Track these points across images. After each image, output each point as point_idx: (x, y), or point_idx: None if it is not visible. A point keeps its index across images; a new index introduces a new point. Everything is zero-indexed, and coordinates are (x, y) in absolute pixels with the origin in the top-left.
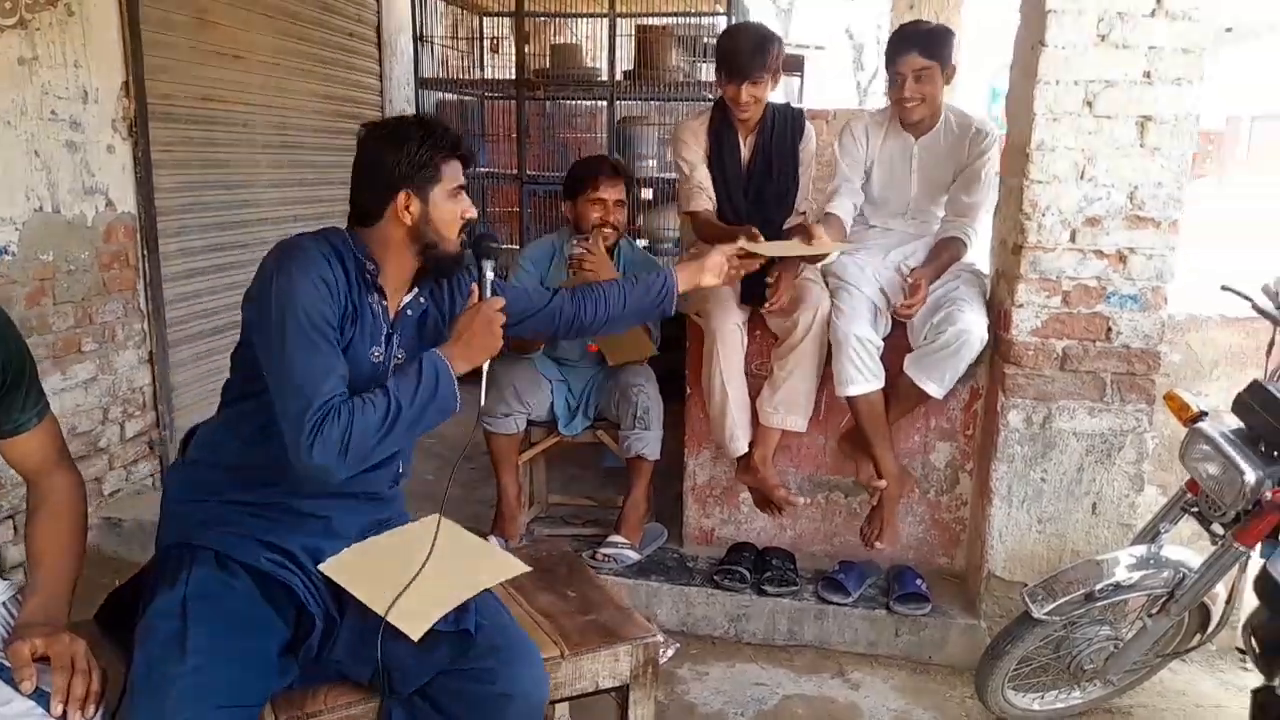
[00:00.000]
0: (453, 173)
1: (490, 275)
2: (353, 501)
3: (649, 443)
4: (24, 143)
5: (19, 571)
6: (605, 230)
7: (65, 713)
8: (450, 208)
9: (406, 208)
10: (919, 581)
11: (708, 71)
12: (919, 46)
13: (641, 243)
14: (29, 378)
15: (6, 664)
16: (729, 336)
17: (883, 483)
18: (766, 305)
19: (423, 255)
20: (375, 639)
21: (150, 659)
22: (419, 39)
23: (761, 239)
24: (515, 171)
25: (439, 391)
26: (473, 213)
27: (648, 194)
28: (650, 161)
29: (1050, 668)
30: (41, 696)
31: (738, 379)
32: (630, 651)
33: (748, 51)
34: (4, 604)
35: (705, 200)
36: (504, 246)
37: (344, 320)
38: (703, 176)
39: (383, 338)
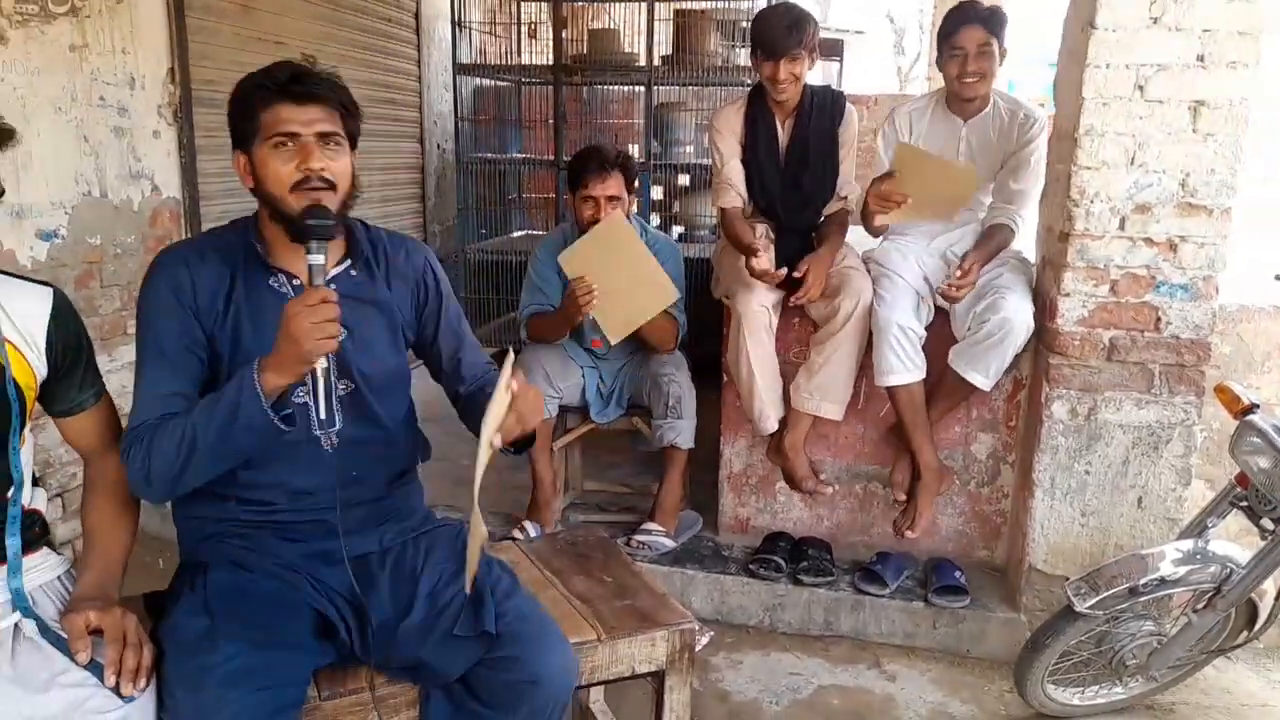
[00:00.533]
0: (273, 119)
1: (318, 260)
2: (354, 510)
3: (681, 431)
4: (74, 128)
5: (66, 548)
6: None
7: (118, 683)
8: (272, 164)
9: (244, 170)
10: (958, 574)
11: (746, 56)
12: (980, 22)
13: (678, 229)
14: (87, 359)
15: (63, 635)
16: (755, 318)
17: (903, 498)
18: (794, 298)
19: (278, 221)
20: (403, 638)
21: (183, 655)
22: (457, 25)
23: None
24: (551, 158)
25: (241, 409)
26: (317, 164)
27: (684, 180)
28: (687, 147)
29: (1092, 662)
30: (95, 667)
31: (765, 360)
32: (667, 637)
33: (783, 28)
34: (59, 578)
35: (734, 197)
36: (329, 224)
37: (222, 317)
38: (733, 171)
39: None
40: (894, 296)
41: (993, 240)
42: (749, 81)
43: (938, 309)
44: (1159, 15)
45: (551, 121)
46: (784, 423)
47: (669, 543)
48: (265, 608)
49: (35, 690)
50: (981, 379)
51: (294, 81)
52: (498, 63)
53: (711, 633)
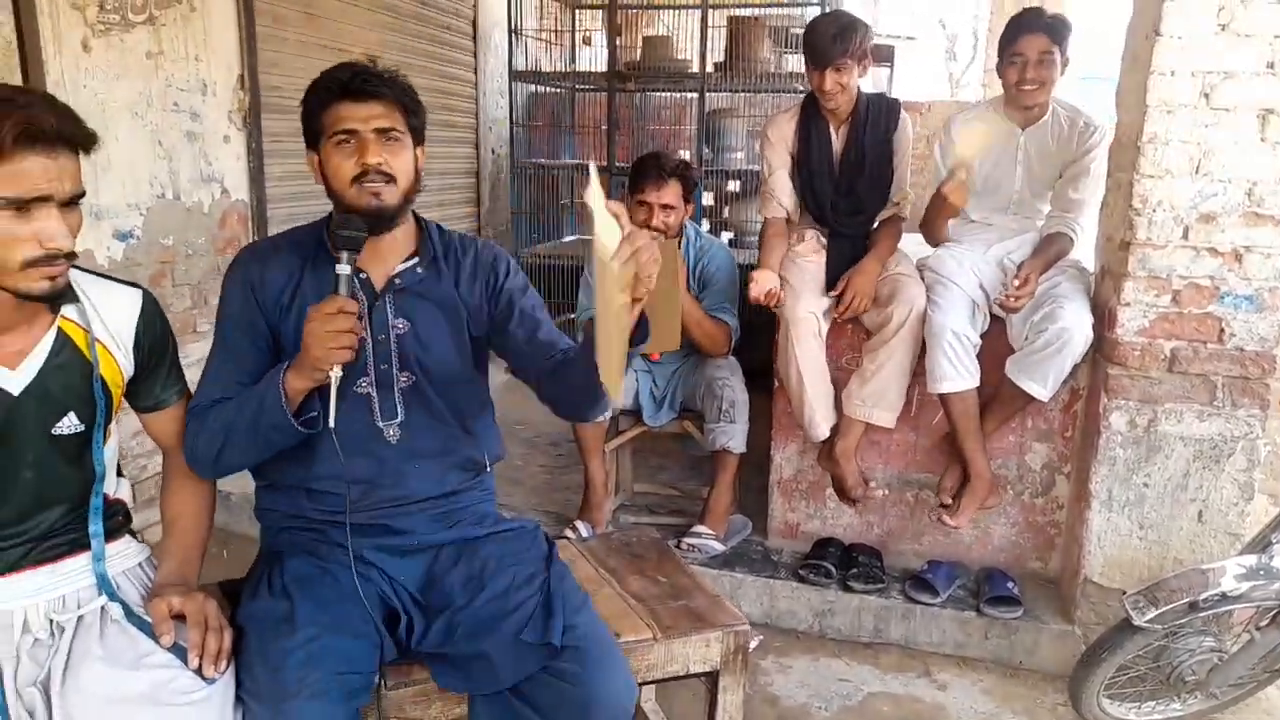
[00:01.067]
0: (334, 117)
1: (344, 270)
2: (419, 505)
3: (734, 436)
4: (149, 133)
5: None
6: (651, 234)
7: (200, 666)
8: (334, 160)
9: (315, 169)
10: (1010, 584)
11: (798, 62)
12: (1044, 30)
13: (727, 235)
14: (171, 358)
15: (147, 619)
16: (802, 324)
17: (949, 500)
18: (836, 312)
19: (342, 217)
20: (466, 633)
21: (263, 638)
22: (513, 32)
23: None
24: (604, 163)
25: (265, 406)
26: (374, 159)
27: (734, 186)
28: (738, 154)
29: (1149, 677)
30: (179, 650)
31: (814, 366)
32: (721, 638)
33: (829, 37)
34: (140, 565)
35: (776, 207)
36: (360, 235)
37: (286, 310)
38: (779, 181)
39: (364, 309)
40: (948, 303)
41: (1051, 249)
42: (801, 88)
43: (993, 317)
44: (1227, 22)
45: (604, 128)
46: (835, 429)
47: (719, 546)
48: (339, 596)
49: (125, 669)
50: (1039, 389)
51: (353, 80)
52: (552, 69)
53: (760, 636)
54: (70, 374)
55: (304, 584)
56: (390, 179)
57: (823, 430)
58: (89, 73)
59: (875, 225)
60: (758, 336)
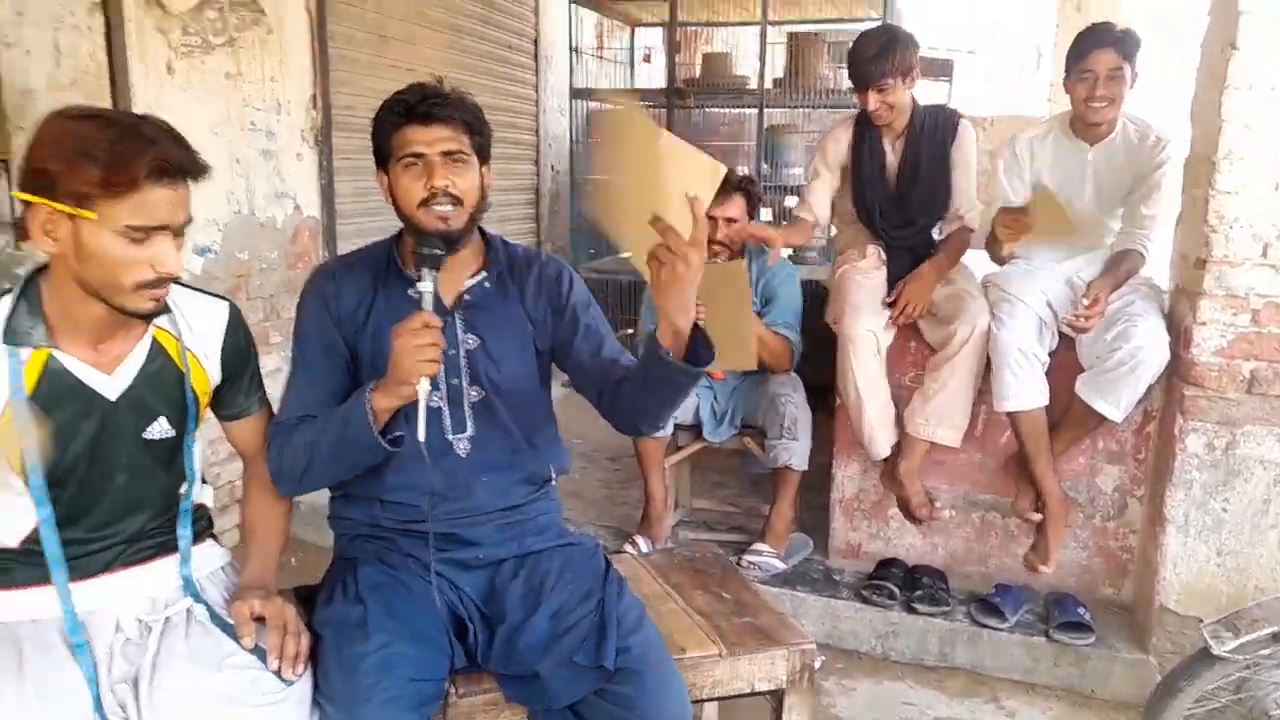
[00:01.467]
0: (402, 140)
1: (426, 288)
2: (487, 518)
3: (796, 453)
4: (227, 151)
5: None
6: (714, 247)
7: (279, 668)
8: (402, 183)
9: (385, 189)
10: (1081, 610)
11: None
12: (1113, 45)
13: (786, 251)
14: (253, 369)
15: (230, 621)
16: (861, 341)
17: (1038, 516)
18: (892, 317)
19: (412, 235)
20: (524, 651)
21: (338, 643)
22: (573, 51)
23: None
24: None
25: (351, 425)
26: (441, 182)
27: (793, 202)
28: (796, 169)
29: (1229, 710)
30: (259, 652)
31: (874, 384)
32: (787, 656)
33: (869, 57)
34: (222, 568)
35: (806, 210)
36: (439, 254)
37: (362, 326)
38: (815, 189)
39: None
40: (1014, 319)
41: (1121, 267)
42: (857, 104)
43: (1062, 336)
44: None
45: None
46: (898, 449)
47: (779, 564)
48: (410, 604)
49: (209, 669)
50: (1112, 409)
51: (421, 103)
52: (612, 87)
53: (823, 656)
54: (162, 381)
55: (377, 591)
56: (457, 200)
57: (883, 448)
58: (172, 94)
59: (941, 237)
60: (819, 353)
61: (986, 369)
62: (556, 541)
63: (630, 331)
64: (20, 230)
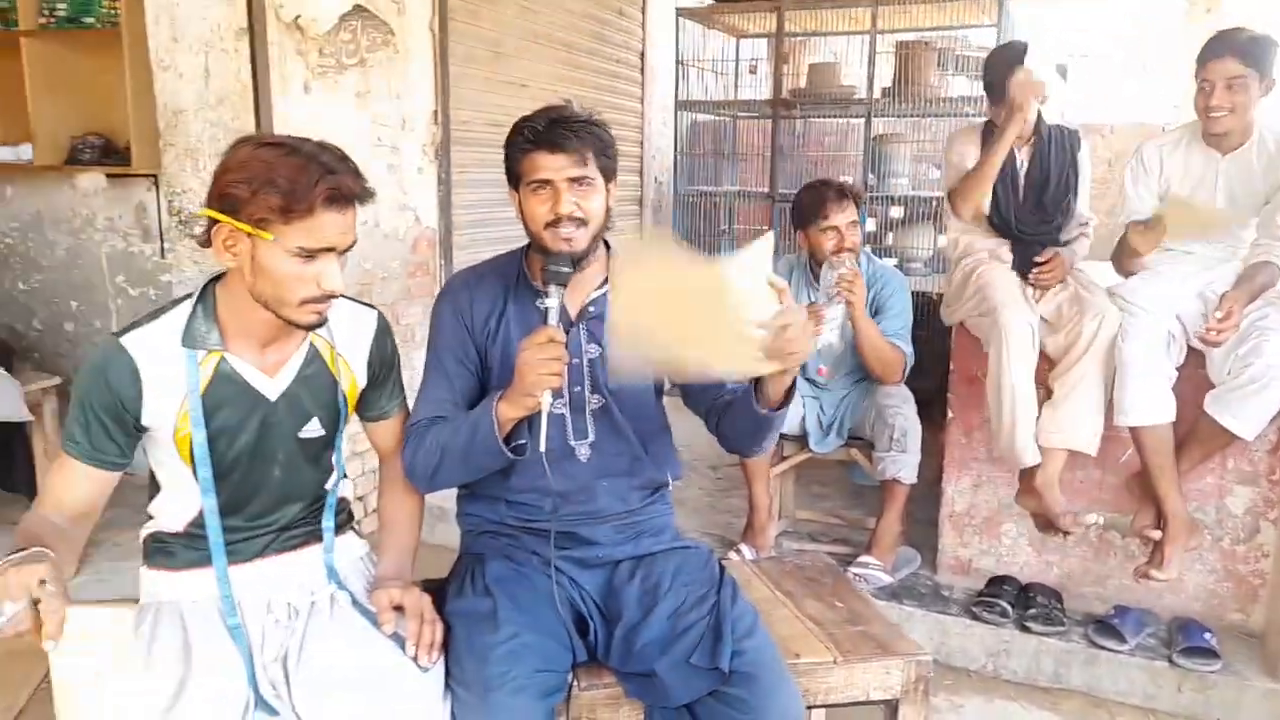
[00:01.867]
0: (531, 166)
1: (551, 303)
2: (606, 520)
3: (905, 466)
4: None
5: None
6: (842, 255)
7: (416, 654)
8: (531, 205)
9: (517, 206)
10: (1207, 635)
11: (967, 85)
12: (1235, 53)
13: (890, 261)
14: (396, 374)
15: (371, 608)
16: (1020, 335)
17: (1157, 533)
18: (1034, 274)
19: (538, 252)
20: (641, 650)
21: (470, 632)
22: (679, 63)
23: None
24: (766, 189)
25: (478, 431)
26: (566, 209)
27: (898, 212)
28: (903, 179)
29: None
30: (397, 638)
31: (1027, 383)
32: (902, 667)
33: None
34: (361, 559)
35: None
36: (565, 272)
37: (494, 334)
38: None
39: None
40: (1139, 330)
41: (1256, 279)
42: (971, 112)
43: (1191, 349)
44: None
45: (767, 154)
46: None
47: (886, 578)
48: (535, 598)
49: (351, 651)
50: (1243, 427)
51: (549, 129)
52: (717, 98)
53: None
54: (317, 384)
55: (504, 584)
56: (582, 223)
57: (1031, 455)
58: (308, 112)
59: (1064, 243)
60: (927, 366)
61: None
62: (671, 545)
63: None
64: (204, 239)
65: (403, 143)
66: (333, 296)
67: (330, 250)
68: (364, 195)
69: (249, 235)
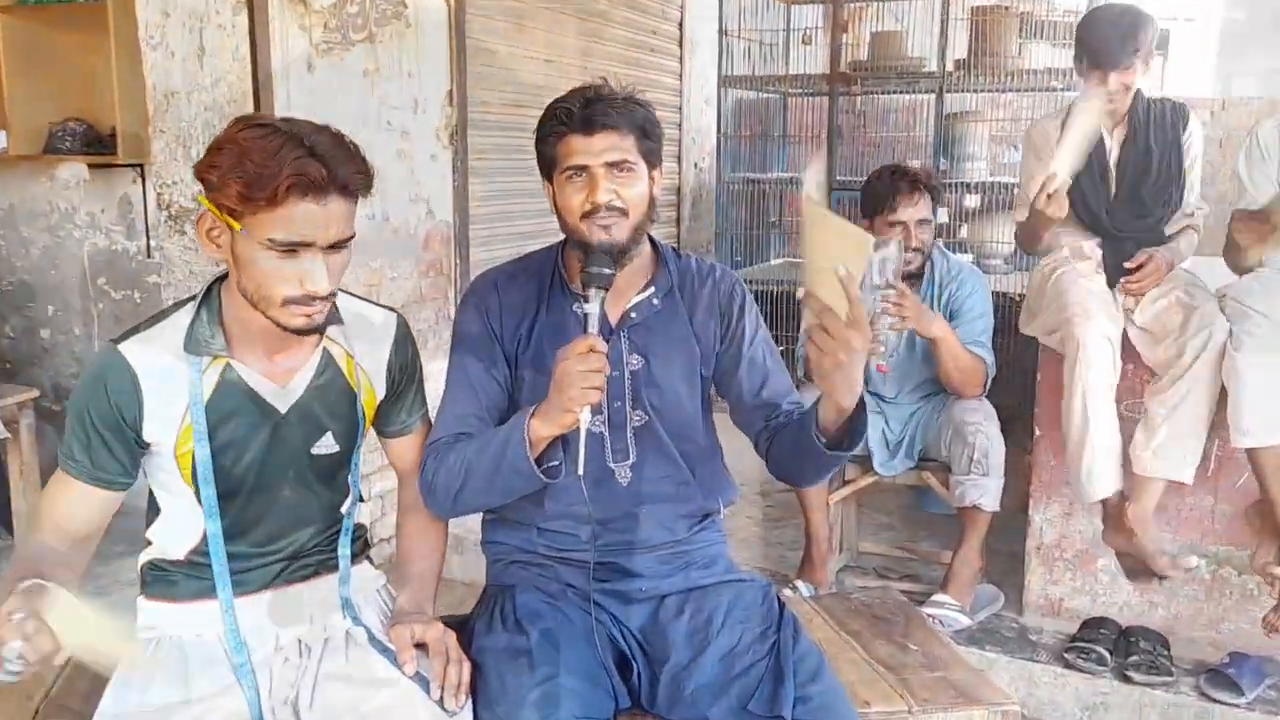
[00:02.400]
0: (566, 151)
1: (591, 309)
2: (649, 550)
3: (986, 491)
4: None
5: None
6: (908, 255)
7: (442, 697)
8: (565, 194)
9: (551, 199)
10: None
11: (1052, 56)
12: None
13: (966, 257)
14: (418, 384)
15: (389, 646)
16: (1095, 350)
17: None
18: (1125, 282)
19: (575, 248)
20: (691, 696)
21: (501, 673)
22: (723, 33)
23: None
24: (823, 178)
25: (508, 450)
26: (603, 197)
27: (974, 201)
28: (979, 164)
29: None
30: (420, 680)
31: (1103, 405)
32: (986, 717)
33: (1118, 37)
34: (378, 591)
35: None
36: (606, 273)
37: (525, 341)
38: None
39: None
40: (1256, 340)
41: None
42: (1058, 85)
43: None
44: None
45: (822, 136)
46: (1121, 495)
47: (964, 619)
48: (572, 636)
49: (368, 692)
50: None
51: (584, 110)
52: (765, 73)
53: None
54: (332, 395)
55: (538, 620)
56: (622, 212)
57: (1103, 487)
58: (312, 92)
59: (1167, 238)
60: (1009, 376)
61: (1221, 396)
62: (724, 577)
63: (783, 349)
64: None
65: (414, 126)
66: (319, 299)
67: (309, 245)
68: (349, 183)
69: (227, 225)
